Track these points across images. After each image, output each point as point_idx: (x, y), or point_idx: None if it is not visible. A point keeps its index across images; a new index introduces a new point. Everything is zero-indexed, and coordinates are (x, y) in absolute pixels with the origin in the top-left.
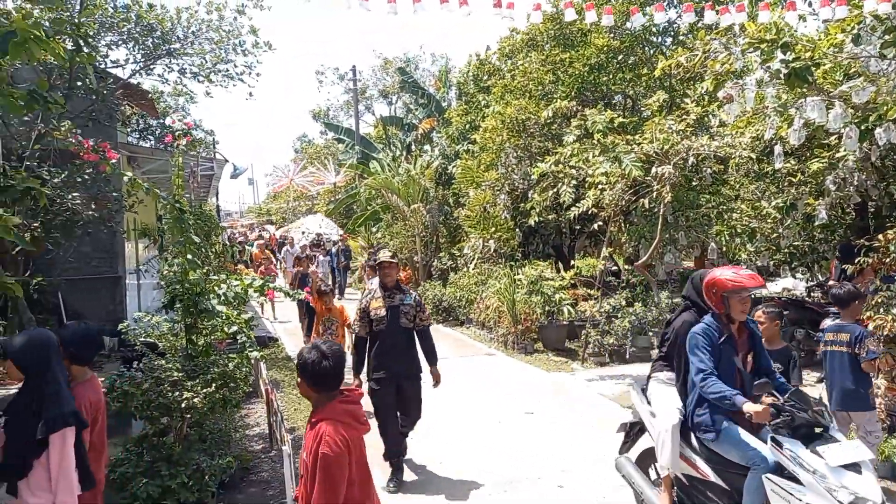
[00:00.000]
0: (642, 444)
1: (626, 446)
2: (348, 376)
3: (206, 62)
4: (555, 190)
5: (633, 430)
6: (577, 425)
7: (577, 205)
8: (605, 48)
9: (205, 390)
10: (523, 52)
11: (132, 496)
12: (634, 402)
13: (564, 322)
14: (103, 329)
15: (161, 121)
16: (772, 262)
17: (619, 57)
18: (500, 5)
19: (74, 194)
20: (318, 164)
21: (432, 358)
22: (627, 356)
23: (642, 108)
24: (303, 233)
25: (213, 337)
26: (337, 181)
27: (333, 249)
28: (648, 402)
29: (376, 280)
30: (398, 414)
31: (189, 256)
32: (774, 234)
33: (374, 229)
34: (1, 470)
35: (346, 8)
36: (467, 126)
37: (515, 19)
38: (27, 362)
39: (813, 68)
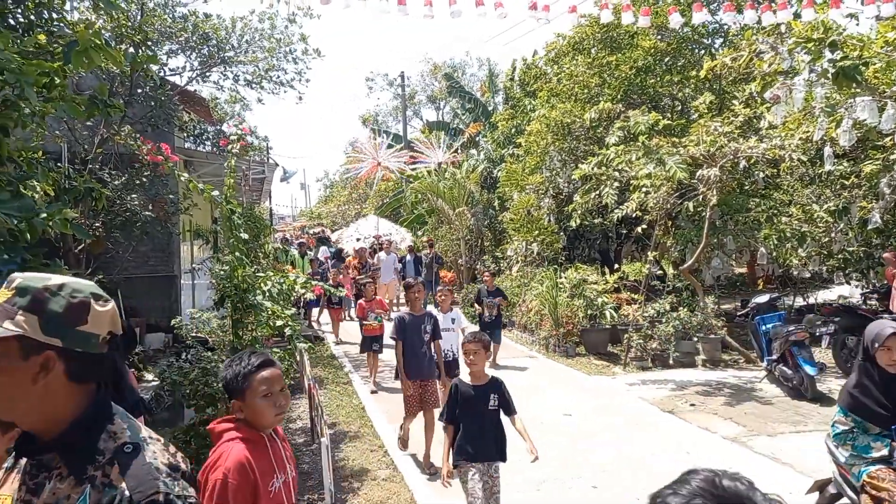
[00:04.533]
0: None
1: None
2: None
3: (259, 69)
4: (597, 192)
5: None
6: (616, 428)
7: (620, 207)
8: (652, 50)
9: None
10: (569, 55)
11: None
12: None
13: (607, 326)
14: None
15: (217, 127)
16: (825, 269)
17: (667, 59)
18: (536, 7)
19: (133, 196)
20: (419, 142)
21: None
22: (671, 361)
23: (691, 111)
24: (357, 239)
25: (258, 332)
26: (445, 160)
27: (409, 257)
28: None
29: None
30: None
31: (237, 254)
32: (826, 239)
33: (419, 232)
34: None
35: (384, 12)
36: (513, 130)
37: (550, 21)
38: None
39: (863, 67)
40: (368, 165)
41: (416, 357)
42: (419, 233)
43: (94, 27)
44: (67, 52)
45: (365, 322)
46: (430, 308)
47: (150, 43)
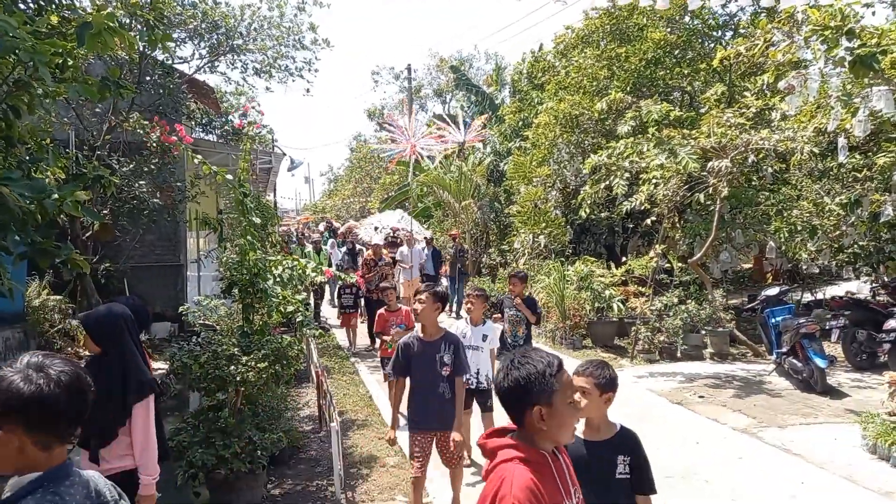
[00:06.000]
0: None
1: None
2: None
3: (268, 58)
4: (607, 183)
5: None
6: (624, 419)
7: (629, 199)
8: (662, 42)
9: (258, 365)
10: (578, 48)
11: (188, 464)
12: None
13: (614, 319)
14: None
15: (224, 118)
16: (834, 263)
17: (677, 52)
18: None
19: (141, 182)
20: (440, 123)
21: None
22: (678, 354)
23: (700, 104)
24: (375, 228)
25: (269, 317)
26: (468, 139)
27: (427, 251)
28: None
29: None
30: None
31: (248, 238)
32: (837, 232)
33: (425, 226)
34: (85, 439)
35: None
36: (520, 123)
37: (568, 4)
38: (102, 336)
39: (880, 56)
40: (403, 148)
41: (425, 401)
42: (424, 226)
43: (106, 10)
44: (81, 34)
45: (386, 338)
46: (459, 323)
47: (164, 18)
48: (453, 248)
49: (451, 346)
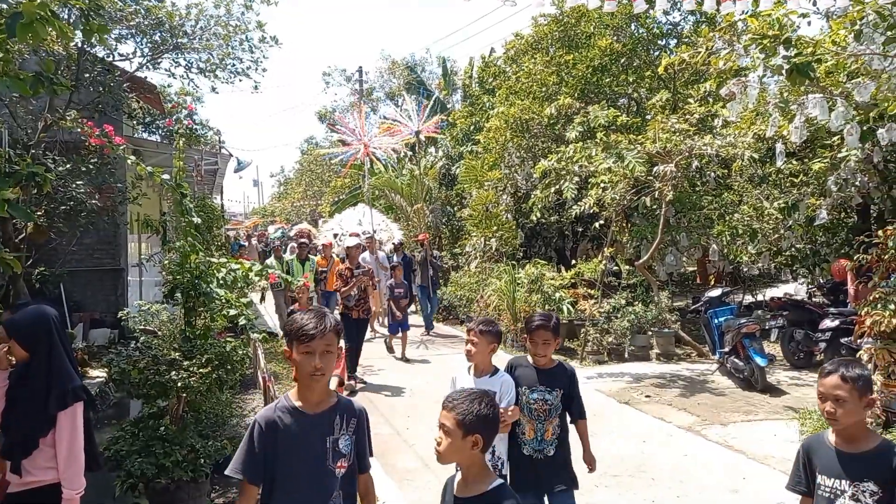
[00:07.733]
0: None
1: None
2: None
3: (213, 57)
4: (557, 187)
5: None
6: None
7: (578, 203)
8: (608, 49)
9: (201, 371)
10: (528, 54)
11: (127, 473)
12: None
13: (564, 321)
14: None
15: (167, 118)
16: (773, 265)
17: (623, 59)
18: None
19: (79, 183)
20: (395, 114)
21: None
22: (626, 355)
23: (646, 111)
24: (336, 235)
25: (211, 321)
26: (423, 129)
27: (396, 258)
28: None
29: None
30: None
31: (189, 239)
32: (775, 236)
33: (391, 219)
34: (7, 449)
35: None
36: (471, 127)
37: (517, 3)
38: (30, 340)
39: (815, 65)
40: (356, 150)
41: None
42: (391, 220)
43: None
44: (11, 25)
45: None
46: (458, 373)
47: (101, 9)
48: (422, 254)
49: (352, 422)
